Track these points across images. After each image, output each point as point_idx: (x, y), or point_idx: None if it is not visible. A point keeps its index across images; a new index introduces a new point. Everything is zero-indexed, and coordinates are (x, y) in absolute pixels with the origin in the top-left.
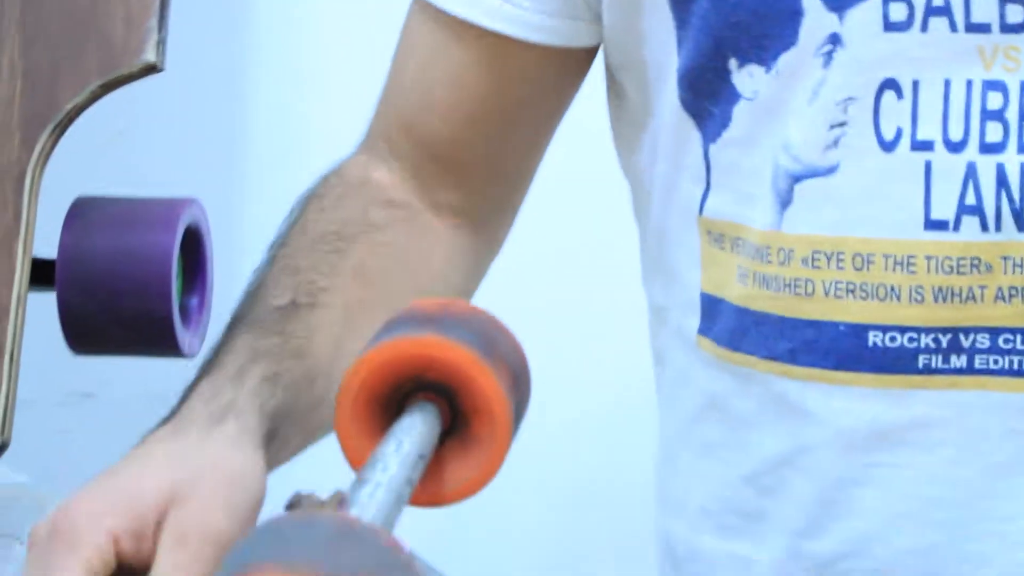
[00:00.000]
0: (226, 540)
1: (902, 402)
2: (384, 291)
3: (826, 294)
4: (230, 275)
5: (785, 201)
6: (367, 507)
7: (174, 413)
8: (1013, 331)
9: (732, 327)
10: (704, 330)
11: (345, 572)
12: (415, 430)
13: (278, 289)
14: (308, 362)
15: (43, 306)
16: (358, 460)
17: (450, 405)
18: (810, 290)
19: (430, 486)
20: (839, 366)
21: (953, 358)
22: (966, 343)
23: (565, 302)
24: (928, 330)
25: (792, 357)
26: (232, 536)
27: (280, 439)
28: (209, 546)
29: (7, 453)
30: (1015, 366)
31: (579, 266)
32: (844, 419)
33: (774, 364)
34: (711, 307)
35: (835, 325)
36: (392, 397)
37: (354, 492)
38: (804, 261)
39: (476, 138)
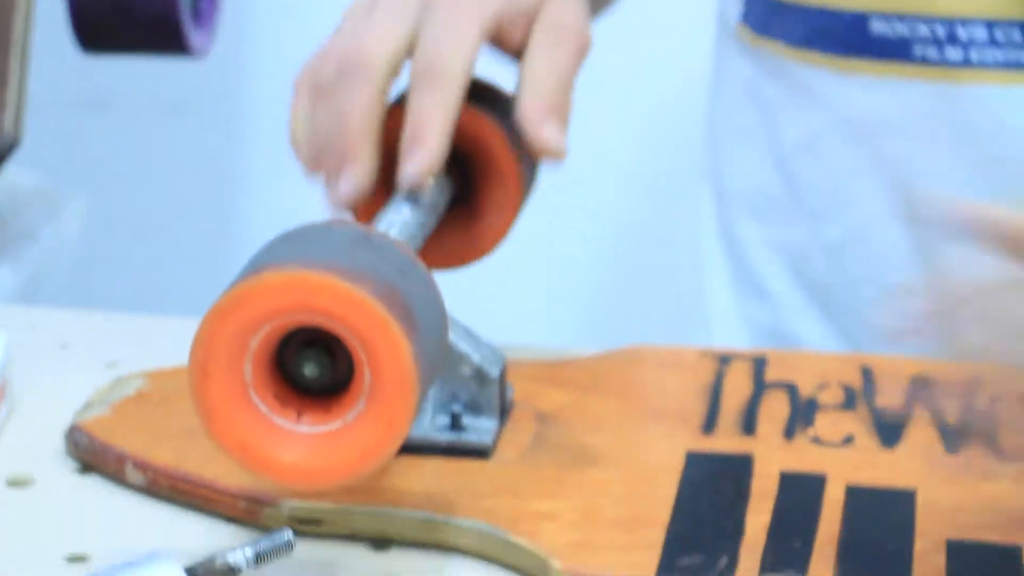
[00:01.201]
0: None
1: (898, 92)
2: None
3: None
4: None
5: None
6: None
7: None
8: (1010, 24)
9: (765, 12)
10: (743, 17)
11: (361, 269)
12: (427, 183)
13: None
14: None
15: (56, 10)
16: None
17: (460, 174)
18: None
19: (442, 247)
20: (845, 53)
21: (949, 50)
22: (964, 36)
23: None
24: (926, 19)
25: (807, 43)
26: None
27: None
28: (579, 47)
29: (22, 155)
30: (1011, 59)
31: None
32: (849, 108)
33: (795, 51)
34: None
35: (841, 14)
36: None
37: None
38: None
39: None
